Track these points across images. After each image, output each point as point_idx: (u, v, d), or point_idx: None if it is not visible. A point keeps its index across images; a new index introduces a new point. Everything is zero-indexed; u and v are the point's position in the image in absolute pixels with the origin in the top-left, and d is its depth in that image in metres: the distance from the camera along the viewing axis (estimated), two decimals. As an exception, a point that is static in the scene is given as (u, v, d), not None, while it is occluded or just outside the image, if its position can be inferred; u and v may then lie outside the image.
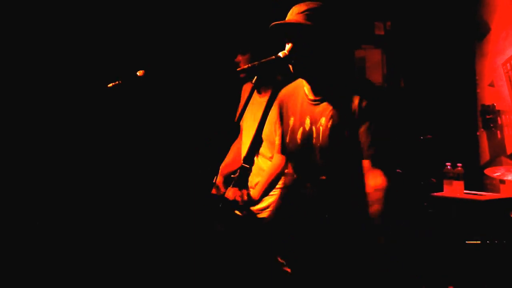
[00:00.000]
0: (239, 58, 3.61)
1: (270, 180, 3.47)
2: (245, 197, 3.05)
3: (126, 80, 3.45)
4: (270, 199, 3.52)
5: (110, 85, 3.43)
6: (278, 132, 3.36)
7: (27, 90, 4.36)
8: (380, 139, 2.43)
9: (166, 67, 4.57)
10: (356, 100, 2.43)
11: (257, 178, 3.58)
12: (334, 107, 2.48)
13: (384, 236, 2.39)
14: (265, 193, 3.49)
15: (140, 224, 4.54)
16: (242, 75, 3.37)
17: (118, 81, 3.43)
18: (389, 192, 2.40)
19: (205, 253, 3.67)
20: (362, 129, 2.42)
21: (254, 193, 3.36)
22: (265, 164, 3.63)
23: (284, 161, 3.41)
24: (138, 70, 3.48)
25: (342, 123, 2.45)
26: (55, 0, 4.44)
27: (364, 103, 2.42)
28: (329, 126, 2.47)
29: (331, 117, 2.48)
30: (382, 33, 5.54)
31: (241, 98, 3.87)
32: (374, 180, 2.42)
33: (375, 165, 2.42)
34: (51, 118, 4.41)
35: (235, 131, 3.60)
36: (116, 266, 4.37)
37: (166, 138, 4.71)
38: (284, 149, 2.75)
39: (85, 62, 4.49)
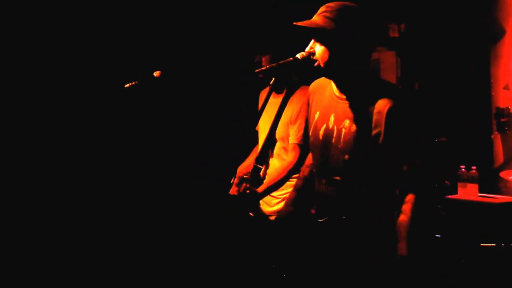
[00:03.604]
0: (261, 58, 3.63)
1: (280, 176, 3.49)
2: (247, 190, 3.04)
3: (143, 80, 3.48)
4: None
5: (127, 85, 3.46)
6: (300, 122, 3.38)
7: (45, 90, 4.39)
8: (410, 154, 2.46)
9: (183, 68, 4.60)
10: (384, 110, 2.43)
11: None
12: (359, 111, 2.49)
13: (407, 247, 2.43)
14: (272, 188, 3.50)
15: (156, 223, 4.57)
16: (260, 76, 3.41)
17: (135, 81, 3.46)
18: (417, 205, 2.45)
19: (209, 252, 3.70)
20: (394, 141, 2.44)
21: (260, 187, 3.38)
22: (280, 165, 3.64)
23: (297, 158, 3.44)
24: (155, 71, 3.52)
25: (365, 131, 2.46)
26: (75, 2, 4.47)
27: (394, 116, 2.42)
28: (352, 130, 2.49)
29: (355, 121, 2.49)
30: (397, 35, 5.53)
31: (259, 104, 3.88)
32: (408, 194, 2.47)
33: (408, 183, 2.47)
34: (68, 118, 4.44)
35: (253, 138, 3.62)
36: (126, 266, 4.40)
37: (182, 139, 4.73)
38: (307, 141, 2.78)
39: (103, 62, 4.52)
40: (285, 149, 3.62)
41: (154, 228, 4.56)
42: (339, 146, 2.52)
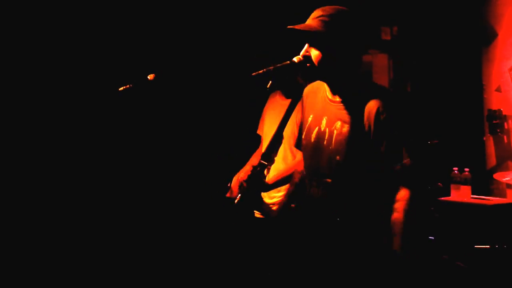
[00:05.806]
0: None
1: (287, 172, 3.51)
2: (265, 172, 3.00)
3: (137, 83, 3.47)
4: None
5: (121, 88, 3.45)
6: (296, 126, 3.41)
7: (40, 93, 4.38)
8: (403, 153, 2.45)
9: (176, 70, 4.59)
10: (374, 110, 2.44)
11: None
12: (351, 113, 2.50)
13: (401, 244, 2.40)
14: (278, 183, 3.52)
15: (150, 225, 4.56)
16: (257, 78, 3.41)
17: (129, 84, 3.45)
18: (412, 203, 2.43)
19: (214, 251, 3.69)
20: (383, 140, 2.44)
21: (269, 178, 3.42)
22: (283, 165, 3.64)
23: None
24: (149, 74, 3.51)
25: (357, 132, 2.47)
26: (69, 5, 4.46)
27: (383, 115, 2.44)
28: (343, 132, 2.50)
29: (346, 123, 2.50)
30: (389, 38, 5.56)
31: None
32: (399, 192, 2.44)
33: (400, 181, 2.45)
34: (63, 121, 4.43)
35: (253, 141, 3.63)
36: (129, 266, 4.40)
37: (177, 142, 4.73)
38: (299, 144, 2.79)
39: (97, 65, 4.51)
40: (290, 149, 3.64)
41: (151, 232, 4.56)
42: (330, 148, 2.54)
